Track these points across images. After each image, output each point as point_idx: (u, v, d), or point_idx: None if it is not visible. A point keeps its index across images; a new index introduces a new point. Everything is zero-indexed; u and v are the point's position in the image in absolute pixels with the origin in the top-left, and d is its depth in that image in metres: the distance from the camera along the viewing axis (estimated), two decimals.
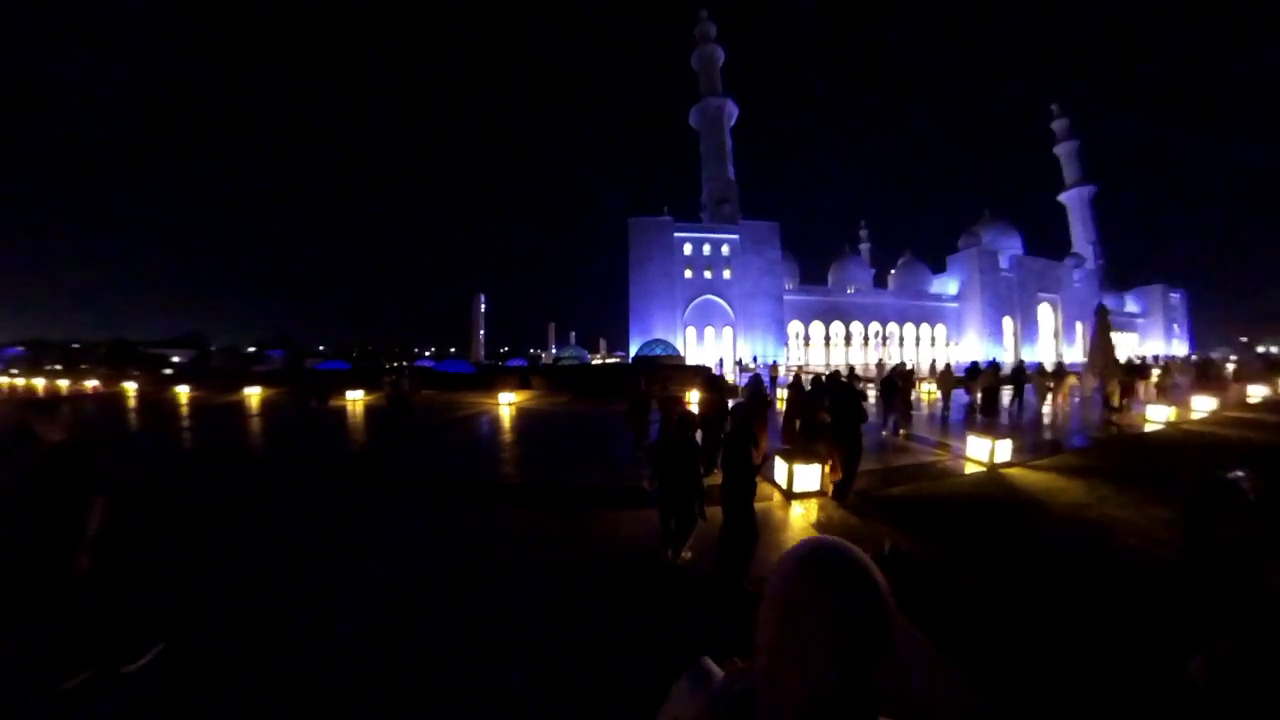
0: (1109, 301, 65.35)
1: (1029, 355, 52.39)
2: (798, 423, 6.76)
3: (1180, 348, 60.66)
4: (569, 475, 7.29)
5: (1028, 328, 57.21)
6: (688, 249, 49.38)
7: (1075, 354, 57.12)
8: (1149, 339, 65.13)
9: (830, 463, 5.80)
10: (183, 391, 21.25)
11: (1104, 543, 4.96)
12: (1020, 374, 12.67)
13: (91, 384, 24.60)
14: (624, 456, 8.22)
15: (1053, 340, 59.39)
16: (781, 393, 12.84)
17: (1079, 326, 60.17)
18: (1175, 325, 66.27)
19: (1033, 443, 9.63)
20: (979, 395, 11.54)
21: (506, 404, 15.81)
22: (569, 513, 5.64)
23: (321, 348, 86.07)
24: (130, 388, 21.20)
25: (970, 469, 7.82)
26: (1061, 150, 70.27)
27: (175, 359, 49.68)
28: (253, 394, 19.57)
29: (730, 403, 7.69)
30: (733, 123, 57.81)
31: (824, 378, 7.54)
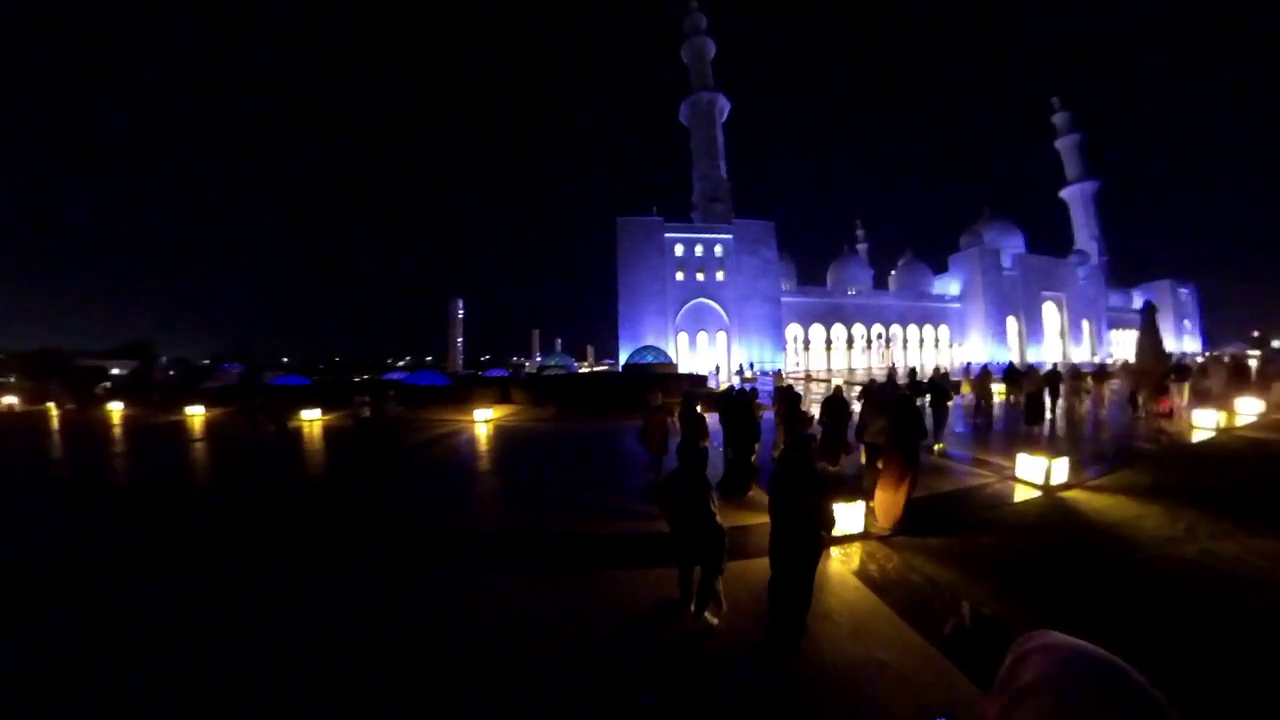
0: (1115, 298, 66.36)
1: (1034, 355, 52.65)
2: (863, 447, 5.90)
3: (1192, 344, 61.51)
4: (557, 519, 6.18)
5: (1032, 327, 57.56)
6: (679, 250, 48.80)
7: (1082, 353, 57.60)
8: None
9: (895, 494, 4.91)
10: (115, 410, 19.71)
11: (1221, 591, 4.11)
12: (1055, 377, 11.96)
13: (8, 400, 22.81)
14: (627, 490, 7.18)
15: (1058, 340, 59.80)
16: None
17: (1085, 325, 60.80)
18: (1186, 321, 67.28)
19: (1083, 457, 8.85)
20: (1022, 401, 10.76)
21: (483, 421, 14.70)
22: (558, 575, 4.62)
23: (285, 360, 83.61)
24: (53, 406, 19.57)
25: (1024, 494, 6.99)
26: (1063, 145, 71.46)
27: (115, 371, 47.06)
28: (196, 414, 18.16)
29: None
30: (724, 118, 57.71)
31: (876, 386, 6.66)
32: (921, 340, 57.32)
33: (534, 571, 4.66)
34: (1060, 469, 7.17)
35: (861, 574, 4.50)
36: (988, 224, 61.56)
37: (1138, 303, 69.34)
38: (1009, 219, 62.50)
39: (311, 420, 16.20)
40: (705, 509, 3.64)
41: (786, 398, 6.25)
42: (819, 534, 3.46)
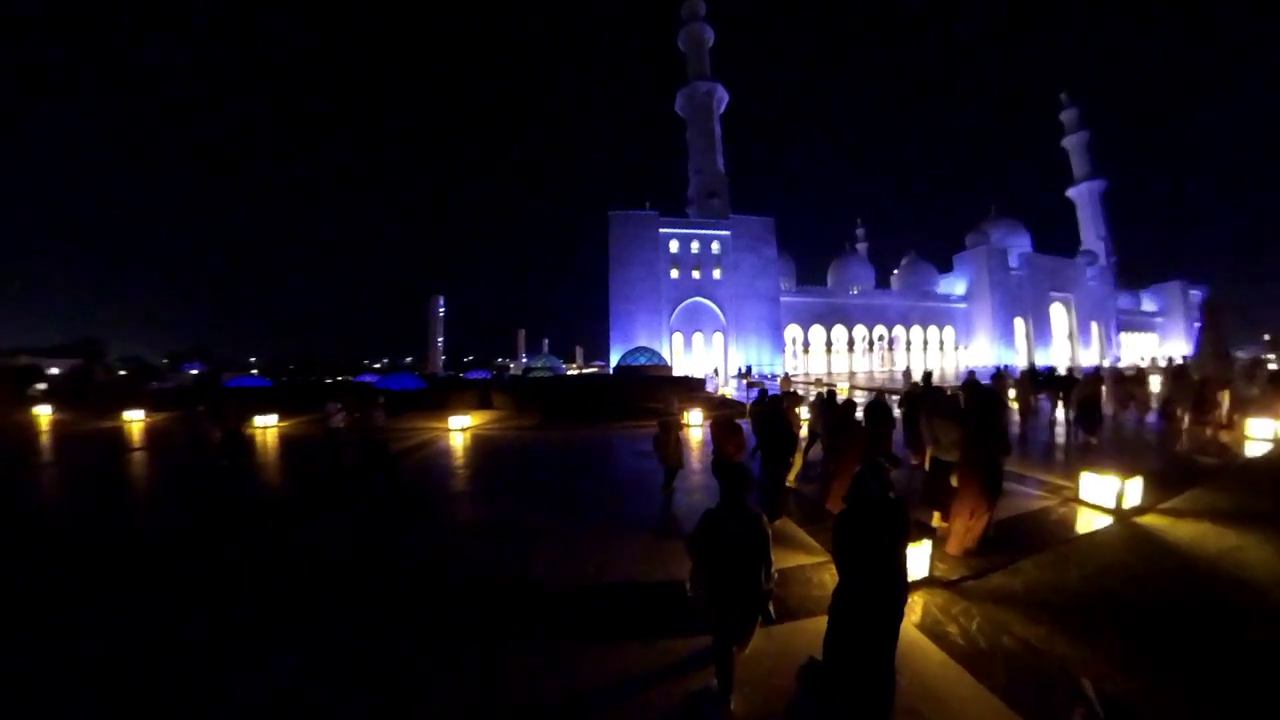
0: (1124, 300, 66.83)
1: (1042, 358, 52.69)
2: (929, 462, 5.08)
3: None
4: (543, 564, 5.08)
5: (1040, 329, 57.68)
6: (674, 246, 48.07)
7: (1091, 356, 57.84)
8: (1169, 339, 66.57)
9: (971, 520, 4.10)
10: (43, 415, 18.24)
11: None
12: (1097, 380, 11.22)
13: None
14: (625, 523, 6.15)
15: (1067, 342, 60.03)
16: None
17: (1094, 327, 61.11)
18: (1197, 324, 67.74)
19: (1146, 474, 8.10)
20: (1073, 408, 9.97)
21: (459, 429, 13.68)
22: (532, 649, 3.67)
23: (253, 359, 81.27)
24: None
25: (1091, 518, 6.21)
26: (1070, 143, 72.00)
27: (54, 371, 44.50)
28: (135, 419, 16.85)
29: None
30: (723, 109, 57.24)
31: (934, 391, 5.82)
32: (925, 342, 57.15)
33: (498, 641, 3.69)
34: (1134, 490, 6.41)
35: (937, 635, 3.62)
36: (994, 223, 61.68)
37: (1147, 304, 70.08)
38: (1015, 217, 62.72)
39: (266, 427, 15.06)
40: (765, 555, 2.86)
41: (834, 408, 5.37)
42: (905, 592, 2.78)
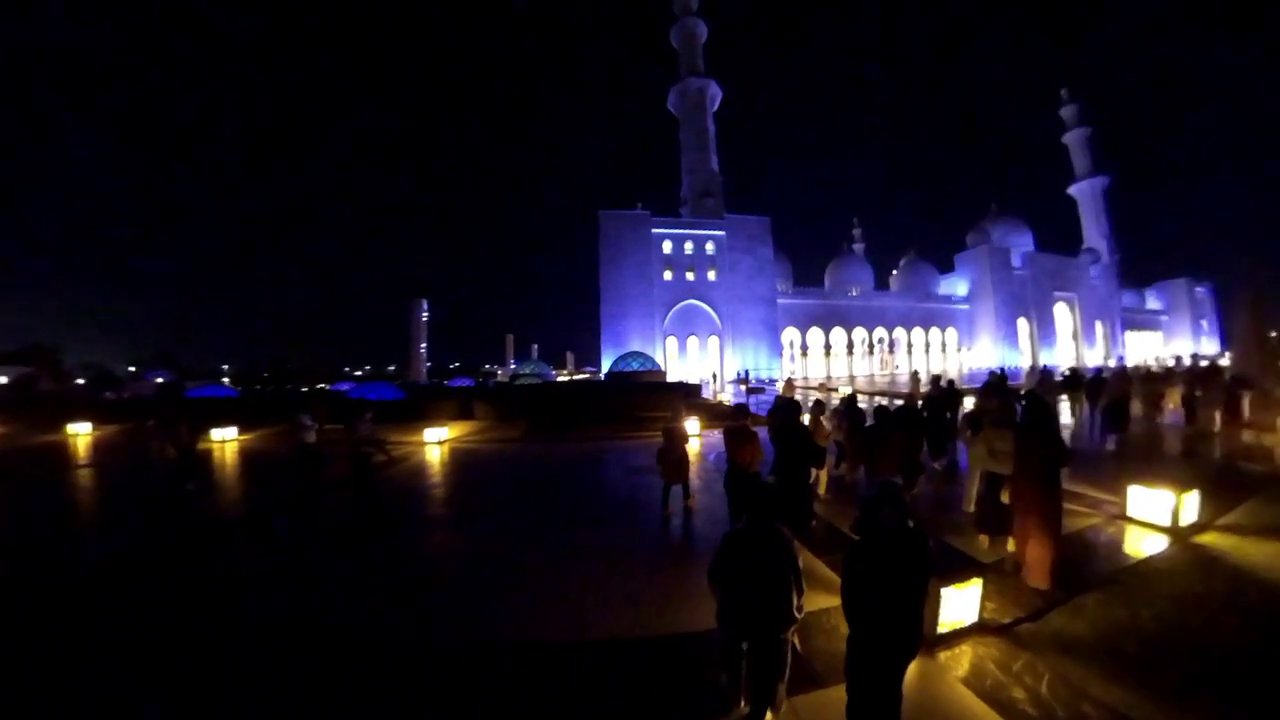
0: (1128, 298, 67.11)
1: (1047, 358, 52.70)
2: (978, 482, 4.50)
3: (1210, 346, 62.30)
4: (509, 618, 4.30)
5: (1044, 329, 57.75)
6: (667, 247, 47.59)
7: (1096, 356, 57.95)
8: (1175, 338, 66.85)
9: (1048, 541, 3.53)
10: None
11: None
12: (1125, 379, 10.64)
13: None
14: (618, 553, 5.40)
15: (1071, 342, 60.12)
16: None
17: (1099, 326, 61.29)
18: (1203, 321, 68.20)
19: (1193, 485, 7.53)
20: (1101, 409, 9.39)
21: (435, 443, 12.93)
22: None
23: (225, 367, 79.52)
24: None
25: (1143, 539, 5.62)
26: (1071, 139, 72.42)
27: (1, 380, 43.02)
28: (80, 433, 15.89)
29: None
30: (716, 107, 57.01)
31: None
32: (927, 344, 56.94)
33: None
34: (1190, 505, 5.83)
35: (1000, 703, 2.96)
36: (995, 221, 61.78)
37: (1151, 303, 70.40)
38: (1017, 216, 62.89)
39: (224, 441, 14.21)
40: (796, 584, 2.53)
41: (861, 416, 4.74)
42: (920, 640, 2.47)
